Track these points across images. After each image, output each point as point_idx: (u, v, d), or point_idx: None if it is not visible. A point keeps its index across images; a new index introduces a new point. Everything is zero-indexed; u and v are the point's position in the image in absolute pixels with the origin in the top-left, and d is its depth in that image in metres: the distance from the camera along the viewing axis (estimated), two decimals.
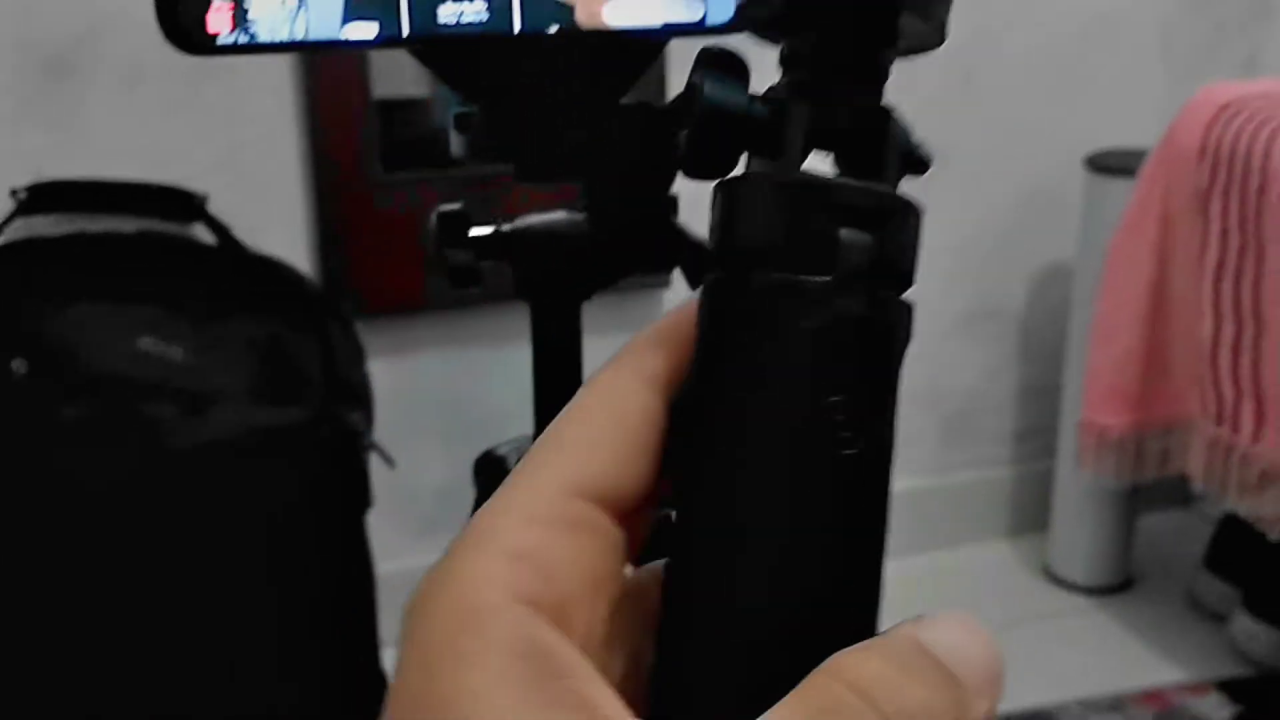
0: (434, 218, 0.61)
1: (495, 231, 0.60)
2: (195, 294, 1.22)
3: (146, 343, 1.17)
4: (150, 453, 1.12)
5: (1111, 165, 1.54)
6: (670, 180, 0.59)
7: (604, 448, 0.22)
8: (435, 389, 1.44)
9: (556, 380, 0.61)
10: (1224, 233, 1.36)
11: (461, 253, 0.59)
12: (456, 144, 0.58)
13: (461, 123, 0.58)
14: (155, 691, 1.14)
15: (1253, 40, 1.74)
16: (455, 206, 0.61)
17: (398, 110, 1.43)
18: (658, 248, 0.58)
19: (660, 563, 0.23)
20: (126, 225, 1.30)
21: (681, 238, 0.57)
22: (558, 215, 0.63)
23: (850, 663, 0.20)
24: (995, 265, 1.69)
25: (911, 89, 1.67)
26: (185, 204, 1.32)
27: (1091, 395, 1.51)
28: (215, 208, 1.33)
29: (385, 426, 1.30)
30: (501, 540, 0.21)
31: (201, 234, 1.34)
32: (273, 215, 1.40)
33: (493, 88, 0.56)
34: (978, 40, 1.60)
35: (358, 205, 1.41)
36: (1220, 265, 1.37)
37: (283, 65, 1.37)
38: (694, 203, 0.64)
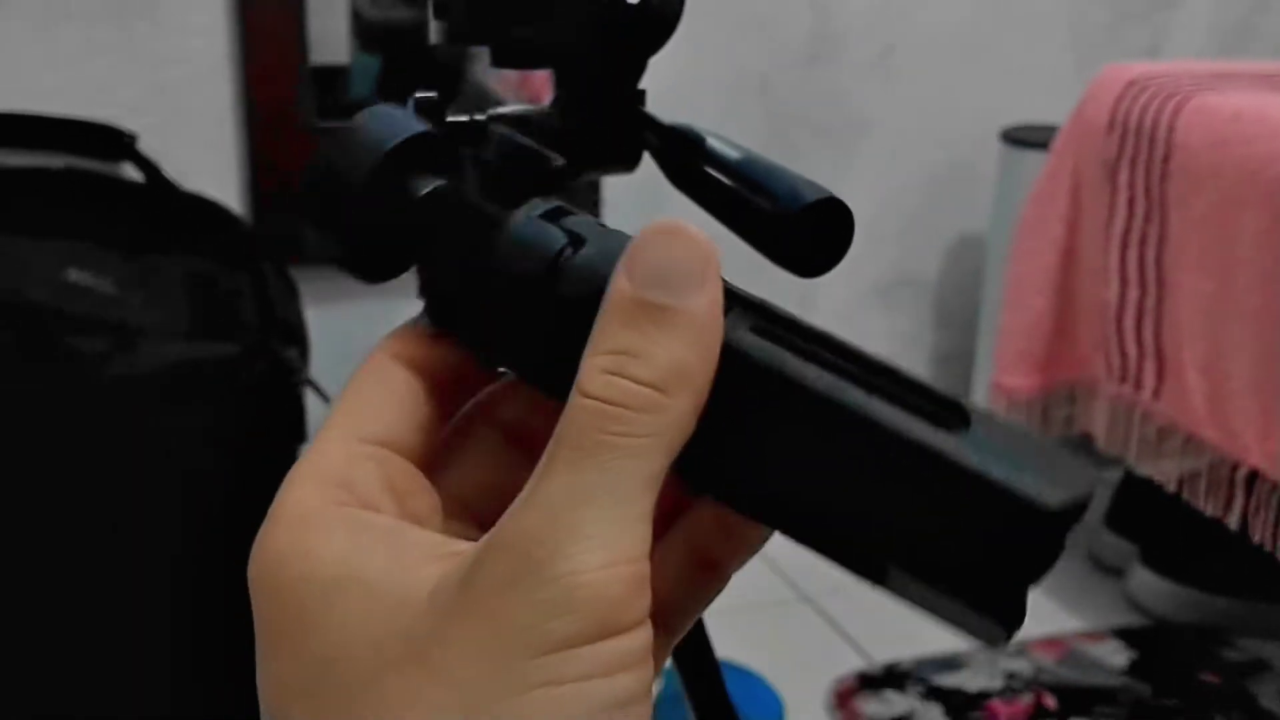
0: (410, 104, 0.62)
1: (471, 120, 0.62)
2: (125, 229, 1.21)
3: (75, 274, 1.15)
4: (78, 384, 1.11)
5: (1025, 139, 1.60)
6: (639, 73, 0.61)
7: (381, 412, 0.30)
8: (370, 338, 1.44)
9: None
10: (1130, 201, 1.43)
11: None
12: (435, 31, 0.60)
13: (440, 9, 0.59)
14: (61, 624, 1.13)
15: (1155, 28, 1.82)
16: (431, 94, 0.62)
17: (331, 77, 1.43)
18: (627, 138, 0.61)
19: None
20: (53, 161, 1.28)
21: (652, 124, 0.59)
22: (528, 106, 0.64)
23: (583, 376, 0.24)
24: (912, 234, 1.74)
25: (837, 62, 1.72)
26: (114, 142, 1.30)
27: (1002, 358, 1.57)
28: (145, 147, 1.32)
29: (320, 375, 1.29)
30: (317, 475, 0.27)
31: (130, 173, 1.32)
32: (204, 157, 1.39)
33: None
34: (900, 18, 1.65)
35: (293, 151, 1.41)
36: (1126, 232, 1.43)
37: (215, 5, 1.36)
38: (658, 97, 0.67)
